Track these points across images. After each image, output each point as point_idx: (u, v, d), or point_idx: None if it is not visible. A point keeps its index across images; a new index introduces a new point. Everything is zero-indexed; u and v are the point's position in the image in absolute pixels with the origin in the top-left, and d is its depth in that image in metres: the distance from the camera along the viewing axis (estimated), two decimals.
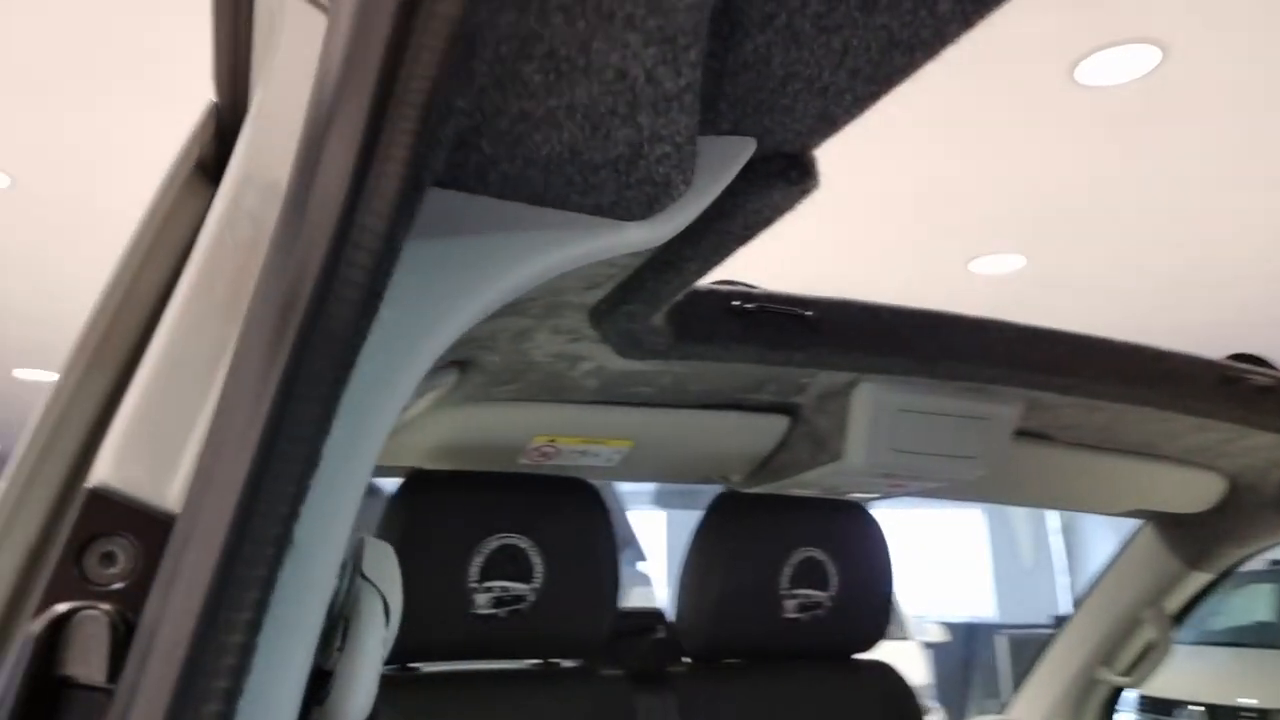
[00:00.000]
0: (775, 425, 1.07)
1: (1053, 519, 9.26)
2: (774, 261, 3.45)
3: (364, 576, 0.44)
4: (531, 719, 0.92)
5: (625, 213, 0.41)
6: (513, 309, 0.63)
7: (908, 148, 2.97)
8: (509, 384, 0.83)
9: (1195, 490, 1.36)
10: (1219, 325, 4.48)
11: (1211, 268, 3.91)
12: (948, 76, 2.54)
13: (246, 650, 0.24)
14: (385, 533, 0.89)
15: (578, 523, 0.95)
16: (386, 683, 0.88)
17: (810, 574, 1.05)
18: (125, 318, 0.33)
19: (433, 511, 0.91)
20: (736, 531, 1.05)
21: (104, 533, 0.28)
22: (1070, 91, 2.62)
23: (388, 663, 0.90)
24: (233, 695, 0.24)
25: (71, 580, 0.28)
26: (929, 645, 6.77)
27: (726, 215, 0.50)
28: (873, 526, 1.12)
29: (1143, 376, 0.98)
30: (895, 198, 3.33)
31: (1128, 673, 1.63)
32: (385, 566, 0.45)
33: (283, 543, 0.26)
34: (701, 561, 1.04)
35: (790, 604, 1.04)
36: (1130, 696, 5.54)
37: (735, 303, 0.76)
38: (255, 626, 0.25)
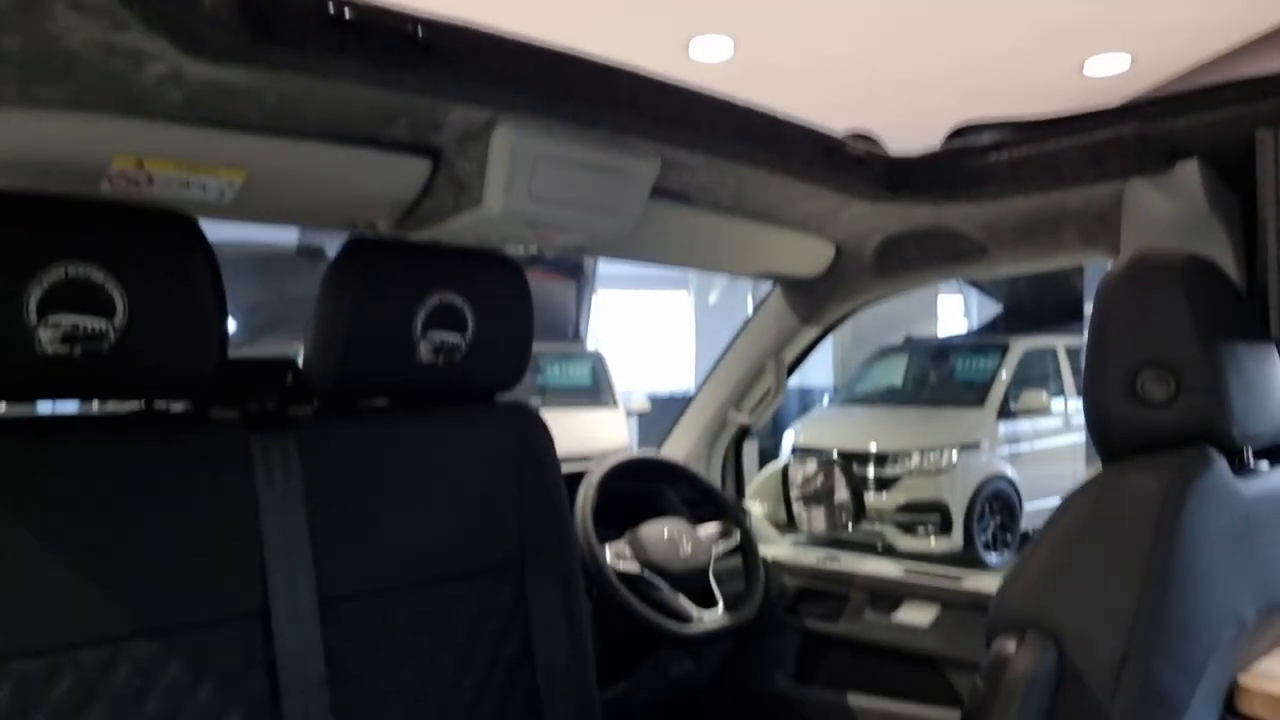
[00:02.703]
0: (417, 168, 1.04)
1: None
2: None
3: None
4: (130, 463, 0.87)
5: None
6: None
7: None
8: (55, 82, 0.71)
9: (810, 255, 1.55)
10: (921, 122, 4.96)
11: (920, 65, 4.24)
12: None
13: None
14: None
15: (168, 256, 0.86)
16: None
17: (446, 317, 1.06)
18: None
19: None
20: (367, 274, 1.02)
21: None
22: None
23: None
24: None
25: None
26: (634, 414, 7.48)
27: None
28: (513, 274, 1.15)
29: (758, 138, 1.06)
30: None
31: (751, 413, 1.90)
32: None
33: None
34: (330, 304, 1.00)
35: (425, 347, 1.05)
36: (786, 446, 6.55)
37: (332, 9, 0.70)
38: None
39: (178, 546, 0.87)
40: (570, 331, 7.26)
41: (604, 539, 1.51)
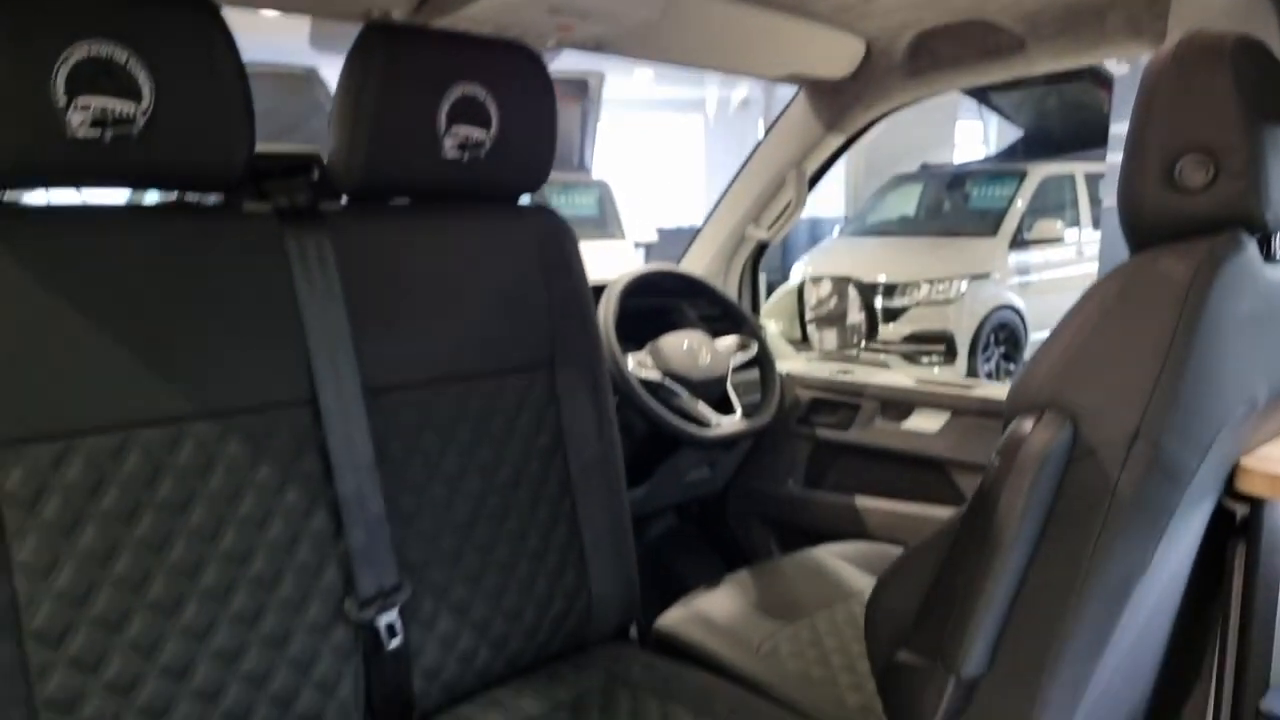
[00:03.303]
0: None
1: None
2: None
3: None
4: (174, 251, 0.88)
5: None
6: None
7: None
8: None
9: (839, 53, 1.49)
10: None
11: None
12: None
13: None
14: None
15: (190, 39, 0.84)
16: None
17: (469, 112, 1.04)
18: None
19: None
20: (387, 62, 0.98)
21: None
22: None
23: None
24: None
25: None
26: (641, 245, 7.43)
27: None
28: (535, 68, 1.11)
29: None
30: None
31: (769, 228, 1.89)
32: None
33: None
34: (352, 95, 0.98)
35: (450, 143, 1.03)
36: (793, 279, 6.55)
37: None
38: None
39: (225, 334, 0.90)
40: (575, 160, 7.10)
41: (625, 351, 1.55)
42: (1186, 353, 0.80)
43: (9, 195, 0.84)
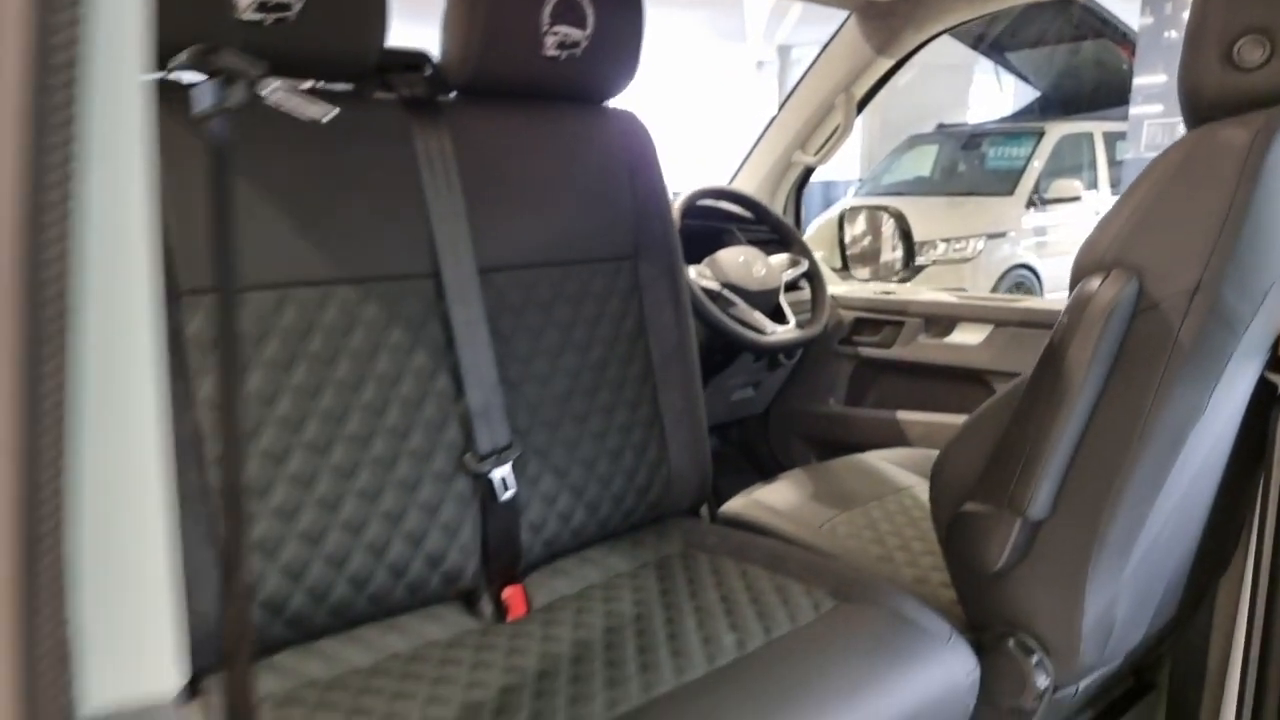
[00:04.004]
0: None
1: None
2: None
3: None
4: (317, 131, 0.94)
5: None
6: None
7: None
8: None
9: None
10: None
11: None
12: None
13: None
14: None
15: None
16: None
17: (570, 12, 1.11)
18: None
19: None
20: None
21: None
22: None
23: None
24: None
25: None
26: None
27: None
28: None
29: None
30: None
31: (816, 154, 1.96)
32: None
33: None
34: None
35: (551, 40, 1.11)
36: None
37: None
38: None
39: (363, 210, 0.99)
40: None
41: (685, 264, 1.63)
42: (1245, 212, 0.88)
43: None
